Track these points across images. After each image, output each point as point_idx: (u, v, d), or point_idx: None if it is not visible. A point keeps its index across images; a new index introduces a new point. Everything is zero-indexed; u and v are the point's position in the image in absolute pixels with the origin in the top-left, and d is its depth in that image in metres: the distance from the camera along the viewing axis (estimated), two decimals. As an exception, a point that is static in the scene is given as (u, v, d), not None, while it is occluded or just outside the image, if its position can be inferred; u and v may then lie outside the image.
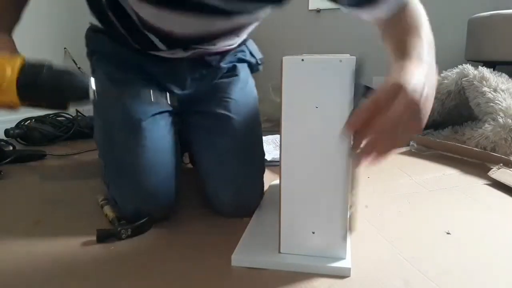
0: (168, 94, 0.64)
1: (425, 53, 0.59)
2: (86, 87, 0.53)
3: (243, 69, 0.97)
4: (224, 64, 0.94)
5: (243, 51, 1.00)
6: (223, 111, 0.87)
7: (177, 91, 0.90)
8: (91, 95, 0.53)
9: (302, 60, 0.58)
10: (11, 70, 0.49)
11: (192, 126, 0.90)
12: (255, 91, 0.97)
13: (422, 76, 0.54)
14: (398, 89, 0.51)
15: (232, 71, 0.95)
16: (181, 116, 0.90)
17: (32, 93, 0.51)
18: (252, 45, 1.04)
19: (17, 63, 0.51)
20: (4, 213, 0.92)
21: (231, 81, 0.93)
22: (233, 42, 0.93)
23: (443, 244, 0.72)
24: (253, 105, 0.93)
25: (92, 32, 0.94)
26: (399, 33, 0.65)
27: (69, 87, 0.53)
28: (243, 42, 0.99)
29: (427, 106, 0.55)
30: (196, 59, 0.89)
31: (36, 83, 0.50)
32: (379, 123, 0.51)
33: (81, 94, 0.53)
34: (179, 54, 0.86)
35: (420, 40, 0.61)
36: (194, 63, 0.90)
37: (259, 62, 1.04)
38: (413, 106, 0.52)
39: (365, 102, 0.53)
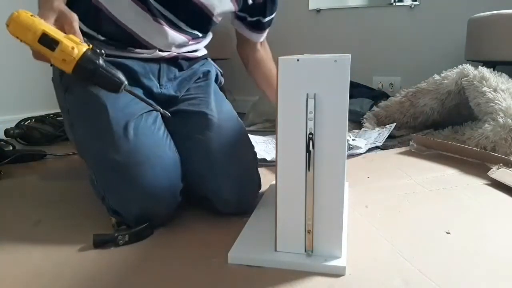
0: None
1: None
2: (120, 85, 0.73)
3: (212, 78, 1.05)
4: (198, 66, 1.03)
5: (208, 63, 1.08)
6: (204, 110, 0.90)
7: (155, 89, 0.93)
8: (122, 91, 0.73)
9: (298, 60, 0.59)
10: (77, 52, 0.67)
11: (174, 127, 0.88)
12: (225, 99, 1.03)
13: None
14: None
15: (207, 76, 1.03)
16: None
17: (82, 75, 0.70)
18: (212, 62, 1.12)
19: (83, 49, 0.68)
20: (4, 213, 0.92)
21: (206, 84, 1.01)
22: (197, 48, 1.03)
23: (443, 244, 0.72)
24: (229, 105, 0.98)
25: None
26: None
27: (106, 83, 0.72)
28: (205, 57, 1.08)
29: None
30: (171, 60, 0.97)
31: (87, 70, 0.70)
32: None
33: (115, 89, 0.73)
34: (156, 54, 0.93)
35: None
36: (170, 64, 0.97)
37: (222, 74, 1.12)
38: None
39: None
